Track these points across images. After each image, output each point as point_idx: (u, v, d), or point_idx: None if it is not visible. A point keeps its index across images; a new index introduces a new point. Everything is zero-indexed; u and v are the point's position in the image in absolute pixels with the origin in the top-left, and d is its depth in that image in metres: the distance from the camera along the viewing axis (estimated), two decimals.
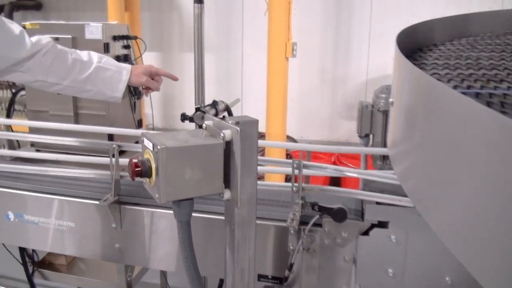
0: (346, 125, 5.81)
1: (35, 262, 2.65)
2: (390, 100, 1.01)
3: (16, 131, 2.53)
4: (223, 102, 2.31)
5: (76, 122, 2.60)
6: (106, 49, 2.50)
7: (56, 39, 2.45)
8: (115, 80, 1.79)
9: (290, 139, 5.58)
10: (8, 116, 2.55)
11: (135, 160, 1.13)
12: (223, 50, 5.91)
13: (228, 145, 1.17)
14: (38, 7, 6.54)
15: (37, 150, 2.59)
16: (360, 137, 2.11)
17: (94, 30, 2.45)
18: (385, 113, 1.97)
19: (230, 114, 2.38)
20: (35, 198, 2.08)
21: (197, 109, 2.06)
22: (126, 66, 1.83)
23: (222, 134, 1.15)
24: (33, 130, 2.43)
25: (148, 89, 1.89)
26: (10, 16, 5.90)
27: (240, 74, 5.98)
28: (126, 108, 2.74)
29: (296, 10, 4.76)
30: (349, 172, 1.77)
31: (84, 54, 1.79)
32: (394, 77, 1.02)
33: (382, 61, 5.39)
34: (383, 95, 1.97)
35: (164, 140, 1.12)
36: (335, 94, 5.83)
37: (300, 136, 5.90)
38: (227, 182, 1.20)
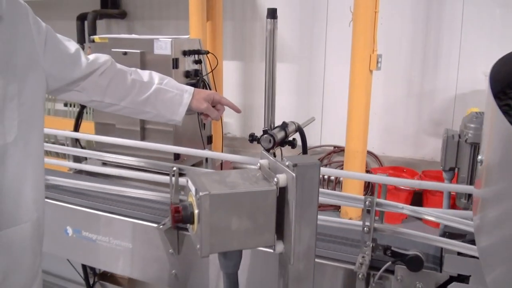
0: (431, 143, 5.46)
1: (96, 274, 2.63)
2: (479, 158, 0.81)
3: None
4: (294, 123, 2.15)
5: (142, 137, 2.55)
6: (175, 64, 2.42)
7: (125, 53, 2.41)
8: (175, 103, 1.68)
9: (371, 155, 5.33)
10: (76, 129, 2.54)
11: (176, 203, 1.00)
12: (304, 61, 5.74)
13: (283, 191, 1.01)
14: (122, 15, 6.62)
15: (103, 163, 2.56)
16: (444, 170, 1.89)
17: (163, 45, 2.37)
18: (474, 146, 1.75)
19: (302, 135, 2.22)
20: (94, 216, 2.05)
21: (265, 132, 1.92)
22: (188, 89, 1.71)
23: (275, 179, 0.99)
24: (99, 143, 2.42)
25: (207, 116, 1.76)
26: (93, 24, 5.99)
27: (322, 86, 5.78)
28: (194, 124, 2.65)
29: (382, 20, 4.52)
30: (428, 214, 1.56)
31: (145, 75, 1.70)
32: (486, 127, 0.82)
33: (472, 75, 5.05)
34: (472, 125, 1.75)
35: (209, 183, 0.98)
36: (421, 109, 5.49)
37: (382, 152, 5.62)
38: (280, 233, 1.04)
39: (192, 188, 0.99)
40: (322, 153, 5.63)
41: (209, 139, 2.76)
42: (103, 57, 1.65)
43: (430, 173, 4.98)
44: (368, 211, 1.56)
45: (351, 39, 4.51)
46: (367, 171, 5.00)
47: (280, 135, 1.99)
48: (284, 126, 2.04)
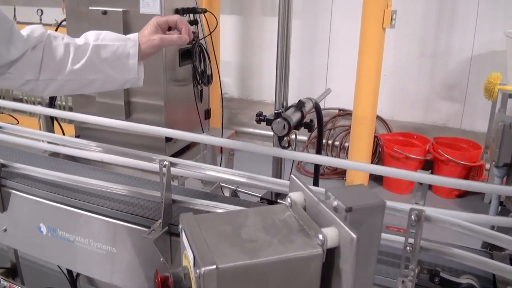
0: (444, 107, 5.11)
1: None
2: None
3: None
4: (310, 99, 1.78)
5: (128, 113, 2.16)
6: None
7: (104, 12, 1.99)
8: (121, 57, 1.35)
9: (379, 119, 4.97)
10: (51, 105, 2.15)
11: (163, 272, 0.64)
12: (309, 15, 5.29)
13: (331, 254, 0.65)
14: None
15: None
16: (496, 166, 1.53)
17: (150, 3, 1.95)
18: None
19: (319, 114, 1.85)
20: (71, 213, 1.71)
21: (278, 115, 1.54)
22: (131, 36, 1.38)
23: (321, 237, 0.63)
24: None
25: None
26: None
27: (327, 44, 5.35)
28: (189, 96, 2.26)
29: None
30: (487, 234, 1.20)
31: (81, 38, 1.37)
32: None
33: (490, 36, 4.70)
34: None
35: (215, 243, 0.61)
36: (434, 70, 5.10)
37: (391, 117, 5.25)
38: None
39: (189, 253, 0.62)
40: (327, 116, 5.26)
41: (207, 113, 2.37)
42: (38, 30, 1.32)
43: (442, 140, 4.65)
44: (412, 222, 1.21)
45: None
46: (375, 137, 4.65)
47: (295, 117, 1.61)
48: (300, 105, 1.67)
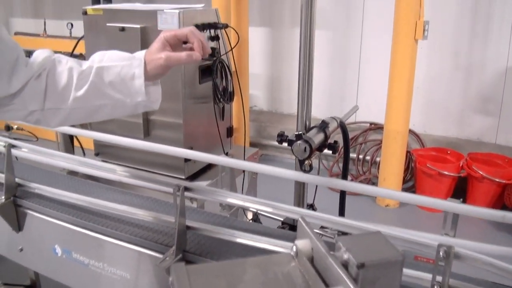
0: (478, 121, 4.94)
1: None
2: None
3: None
4: (335, 119, 1.67)
5: (147, 131, 2.10)
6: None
7: (122, 29, 1.94)
8: (126, 78, 1.20)
9: (411, 133, 4.83)
10: None
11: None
12: (339, 27, 5.19)
13: None
14: None
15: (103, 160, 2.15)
16: None
17: (168, 19, 1.88)
18: None
19: (345, 135, 1.75)
20: (86, 236, 1.67)
21: (298, 137, 1.45)
22: (136, 55, 1.24)
23: None
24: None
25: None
26: None
27: (358, 56, 5.24)
28: (209, 114, 2.19)
29: None
30: None
31: (87, 61, 1.25)
32: None
33: None
34: None
35: None
36: (468, 83, 4.93)
37: (424, 131, 5.10)
38: None
39: None
40: (357, 130, 5.14)
41: (229, 131, 2.29)
42: (42, 55, 1.22)
43: (477, 156, 4.47)
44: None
45: (392, 3, 3.99)
46: (408, 152, 4.51)
47: (318, 139, 1.51)
48: (323, 126, 1.57)
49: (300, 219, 0.68)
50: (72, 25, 5.50)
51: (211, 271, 0.63)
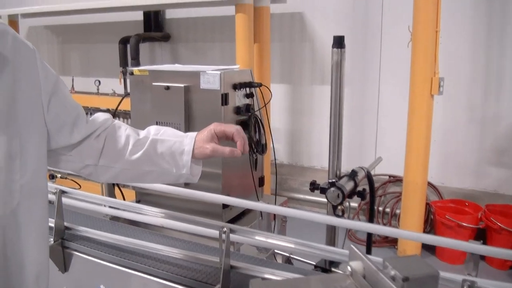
0: (494, 173, 5.03)
1: None
2: None
3: None
4: (362, 168, 1.83)
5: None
6: (224, 100, 2.12)
7: (167, 88, 2.14)
8: (176, 152, 1.39)
9: (429, 185, 4.92)
10: None
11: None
12: (357, 83, 5.41)
13: None
14: (166, 38, 6.44)
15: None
16: None
17: (210, 79, 2.08)
18: None
19: (371, 183, 1.89)
20: (130, 276, 1.77)
21: (332, 184, 1.60)
22: (189, 134, 1.43)
23: None
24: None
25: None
26: (136, 47, 5.83)
27: (376, 110, 5.42)
28: (245, 164, 2.35)
29: (441, 39, 4.14)
30: None
31: (142, 131, 1.45)
32: None
33: None
34: None
35: None
36: (484, 135, 5.06)
37: (441, 183, 5.19)
38: None
39: None
40: (377, 183, 5.25)
41: (261, 181, 2.45)
42: (102, 116, 1.42)
43: (494, 207, 4.54)
44: None
45: (408, 60, 4.15)
46: (427, 204, 4.60)
47: (349, 186, 1.67)
48: (353, 174, 1.73)
49: (352, 246, 0.82)
50: (99, 82, 5.75)
51: (283, 286, 0.77)
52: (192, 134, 1.42)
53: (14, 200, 1.12)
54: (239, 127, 1.43)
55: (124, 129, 1.43)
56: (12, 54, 1.12)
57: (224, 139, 1.43)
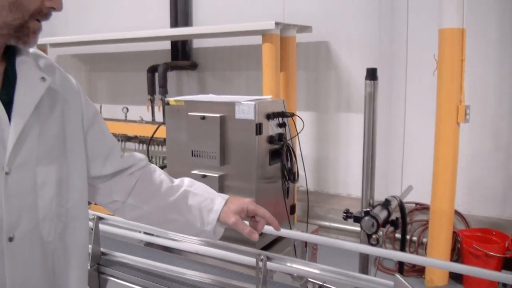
0: None
1: None
2: None
3: None
4: (395, 198, 1.86)
5: None
6: (258, 130, 2.18)
7: (203, 118, 2.22)
8: (205, 209, 1.40)
9: (456, 214, 4.89)
10: None
11: None
12: (383, 111, 5.41)
13: None
14: (193, 67, 6.55)
15: None
16: None
17: (245, 109, 2.15)
18: None
19: (403, 212, 1.92)
20: None
21: (366, 213, 1.63)
22: (222, 195, 1.45)
23: None
24: None
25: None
26: (164, 76, 5.93)
27: (402, 138, 5.43)
28: (277, 192, 2.39)
29: (466, 67, 4.16)
30: None
31: (177, 179, 1.48)
32: None
33: None
34: None
35: None
36: (510, 163, 5.02)
37: (468, 211, 5.14)
38: None
39: None
40: None
41: (292, 209, 2.49)
42: (138, 156, 1.47)
43: None
44: None
45: (433, 88, 4.20)
46: (454, 233, 4.57)
47: (383, 215, 1.70)
48: (386, 204, 1.76)
49: (397, 275, 0.86)
50: (127, 109, 5.86)
51: None
52: (224, 196, 1.44)
53: (61, 223, 1.19)
54: (269, 214, 1.44)
55: (159, 174, 1.47)
56: (61, 88, 1.22)
57: (252, 216, 1.43)
